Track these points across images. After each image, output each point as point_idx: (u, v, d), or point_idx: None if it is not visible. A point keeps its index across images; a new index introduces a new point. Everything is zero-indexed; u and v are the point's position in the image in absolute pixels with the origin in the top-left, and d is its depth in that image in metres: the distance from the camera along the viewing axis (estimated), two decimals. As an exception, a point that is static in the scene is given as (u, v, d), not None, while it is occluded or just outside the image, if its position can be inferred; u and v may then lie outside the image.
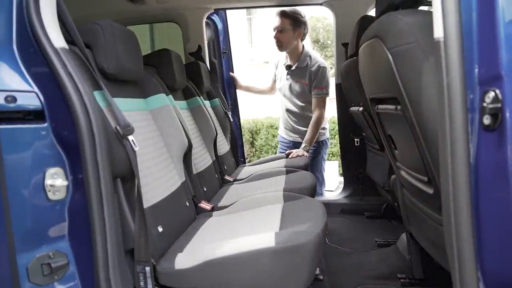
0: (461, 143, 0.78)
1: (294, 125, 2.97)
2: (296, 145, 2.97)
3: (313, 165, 2.90)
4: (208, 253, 1.08)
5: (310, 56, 2.82)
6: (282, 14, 2.73)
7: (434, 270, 1.68)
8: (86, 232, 0.90)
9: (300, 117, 2.92)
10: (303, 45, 2.86)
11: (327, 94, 2.81)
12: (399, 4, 1.21)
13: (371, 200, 2.78)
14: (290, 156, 2.73)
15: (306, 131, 2.88)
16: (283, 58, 2.96)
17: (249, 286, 1.07)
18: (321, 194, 3.00)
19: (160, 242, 1.23)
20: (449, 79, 0.78)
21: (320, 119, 2.77)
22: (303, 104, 2.89)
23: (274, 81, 3.11)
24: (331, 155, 7.26)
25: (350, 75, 2.19)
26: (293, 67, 2.85)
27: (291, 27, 2.73)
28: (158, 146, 1.47)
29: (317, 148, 2.97)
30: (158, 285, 1.11)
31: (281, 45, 2.77)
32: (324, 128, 2.98)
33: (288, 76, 2.89)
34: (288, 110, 2.98)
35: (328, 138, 3.08)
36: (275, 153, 3.30)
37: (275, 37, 2.77)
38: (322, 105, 2.79)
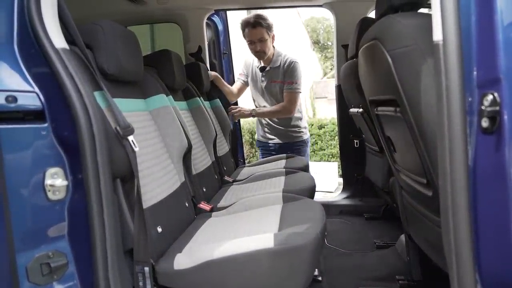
0: (460, 145, 0.79)
1: (275, 125, 2.95)
2: (280, 147, 2.96)
3: None
4: (207, 253, 1.08)
5: (281, 55, 2.83)
6: (258, 24, 2.67)
7: (433, 272, 1.68)
8: (85, 232, 0.91)
9: (279, 118, 2.92)
10: (273, 46, 2.86)
11: (298, 89, 2.79)
12: (398, 6, 1.21)
13: (370, 201, 2.78)
14: (232, 111, 2.79)
15: (286, 131, 2.91)
16: (255, 60, 2.93)
17: (248, 287, 1.07)
18: None
19: (159, 242, 1.23)
20: (448, 82, 0.79)
21: (285, 110, 2.77)
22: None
23: (244, 84, 3.06)
24: (330, 156, 7.26)
25: (350, 77, 2.19)
26: (268, 68, 2.84)
27: (267, 35, 2.73)
28: (158, 147, 1.47)
29: (303, 148, 2.99)
30: (157, 285, 1.11)
31: (264, 54, 2.76)
32: (305, 127, 3.03)
33: (263, 78, 2.88)
34: None
35: (309, 137, 3.11)
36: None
37: (259, 47, 2.71)
38: (292, 99, 2.77)
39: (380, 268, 1.90)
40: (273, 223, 1.31)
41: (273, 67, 2.83)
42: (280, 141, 2.99)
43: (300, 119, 2.97)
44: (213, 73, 2.93)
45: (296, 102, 2.82)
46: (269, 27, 2.73)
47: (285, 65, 2.78)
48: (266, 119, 2.97)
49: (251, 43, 2.75)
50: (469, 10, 0.76)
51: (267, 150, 3.08)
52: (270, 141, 3.04)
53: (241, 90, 3.11)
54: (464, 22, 0.77)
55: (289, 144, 2.97)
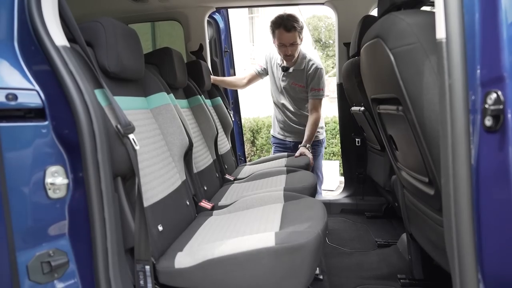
0: (463, 144, 0.78)
1: (292, 124, 2.93)
2: (296, 145, 2.95)
3: (315, 164, 2.90)
4: (208, 252, 1.08)
5: (306, 58, 2.76)
6: (293, 29, 2.57)
7: (434, 271, 1.68)
8: (86, 231, 0.90)
9: (298, 117, 2.90)
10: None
11: (323, 95, 2.78)
12: (401, 4, 1.20)
13: (372, 200, 2.78)
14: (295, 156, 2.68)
15: (303, 130, 2.87)
16: (278, 57, 2.86)
17: (249, 286, 1.07)
18: (320, 193, 3.01)
19: (160, 241, 1.23)
20: (451, 80, 0.78)
21: (318, 120, 2.75)
22: (299, 105, 2.87)
23: (258, 75, 3.01)
24: (332, 155, 7.26)
25: (352, 75, 2.18)
26: (290, 70, 2.78)
27: (299, 39, 2.65)
28: (159, 145, 1.47)
29: (318, 148, 2.97)
30: (158, 284, 1.11)
31: (293, 57, 2.69)
32: (322, 128, 2.99)
33: (284, 78, 2.83)
34: (285, 111, 2.93)
35: (325, 137, 3.08)
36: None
37: (290, 51, 2.63)
38: (319, 106, 2.76)
39: (382, 267, 1.90)
40: (274, 222, 1.31)
41: (296, 69, 2.76)
42: (295, 140, 2.97)
43: None
44: (212, 77, 2.90)
45: (321, 106, 2.79)
46: (301, 31, 2.64)
47: (310, 71, 2.72)
48: (283, 116, 2.95)
49: (282, 46, 2.63)
50: (473, 7, 0.75)
51: (281, 147, 3.07)
52: (285, 139, 3.02)
53: (252, 80, 3.04)
54: (467, 19, 0.76)
55: None
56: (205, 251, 1.09)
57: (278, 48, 2.68)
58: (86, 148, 0.88)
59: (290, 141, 3.01)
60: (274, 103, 3.01)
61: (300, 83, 2.77)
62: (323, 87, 2.75)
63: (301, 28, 2.64)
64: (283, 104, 2.91)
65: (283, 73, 2.82)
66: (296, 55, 2.70)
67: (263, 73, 3.01)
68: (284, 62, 2.79)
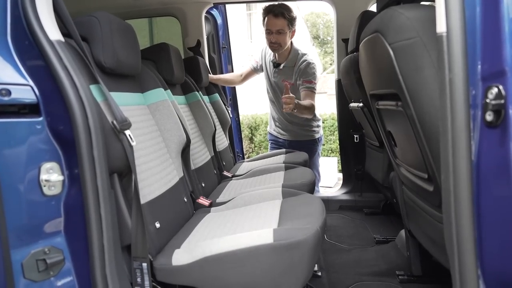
0: (463, 139, 0.77)
1: (287, 122, 2.90)
2: (290, 144, 2.93)
3: (311, 162, 2.88)
4: (206, 249, 1.07)
5: (299, 55, 2.69)
6: (281, 15, 2.51)
7: (433, 267, 1.68)
8: (82, 228, 0.89)
9: (292, 115, 2.78)
10: (291, 42, 2.71)
11: (315, 89, 2.65)
12: (400, -2, 1.19)
13: (370, 196, 2.78)
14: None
15: (297, 129, 2.85)
16: (271, 53, 2.78)
17: (247, 283, 1.06)
18: (317, 191, 3.00)
19: (157, 238, 1.22)
20: (451, 75, 0.77)
21: (312, 108, 2.55)
22: None
23: (253, 70, 2.97)
24: (330, 151, 7.26)
25: (350, 71, 2.17)
26: (282, 66, 2.71)
27: (287, 28, 2.56)
28: (156, 141, 1.46)
29: (314, 146, 2.95)
30: (155, 281, 1.10)
31: (279, 47, 2.59)
32: (318, 126, 2.96)
33: (276, 74, 2.77)
34: (280, 109, 2.87)
35: (322, 135, 3.05)
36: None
37: (275, 39, 2.55)
38: (313, 98, 2.61)
39: (380, 263, 1.90)
40: (273, 218, 1.30)
41: (287, 66, 2.70)
42: (289, 138, 2.94)
43: (313, 119, 2.87)
44: (214, 77, 2.86)
45: (315, 99, 2.65)
46: (291, 21, 2.56)
47: (302, 65, 2.64)
48: (278, 113, 2.90)
49: (269, 33, 2.56)
50: (474, 1, 0.74)
51: (277, 145, 3.05)
52: (281, 137, 3.00)
53: (248, 76, 3.00)
54: (468, 13, 0.75)
55: (299, 142, 2.91)
56: (203, 248, 1.08)
57: (266, 35, 2.61)
58: (81, 144, 0.87)
59: (284, 140, 2.98)
60: (270, 99, 2.97)
61: (290, 81, 2.69)
62: (315, 81, 2.64)
63: (292, 18, 2.56)
64: (278, 101, 2.86)
65: (274, 69, 2.77)
66: (283, 46, 2.60)
67: (258, 68, 2.97)
68: (276, 57, 2.74)
